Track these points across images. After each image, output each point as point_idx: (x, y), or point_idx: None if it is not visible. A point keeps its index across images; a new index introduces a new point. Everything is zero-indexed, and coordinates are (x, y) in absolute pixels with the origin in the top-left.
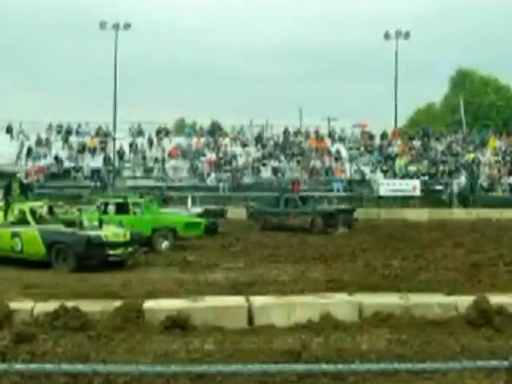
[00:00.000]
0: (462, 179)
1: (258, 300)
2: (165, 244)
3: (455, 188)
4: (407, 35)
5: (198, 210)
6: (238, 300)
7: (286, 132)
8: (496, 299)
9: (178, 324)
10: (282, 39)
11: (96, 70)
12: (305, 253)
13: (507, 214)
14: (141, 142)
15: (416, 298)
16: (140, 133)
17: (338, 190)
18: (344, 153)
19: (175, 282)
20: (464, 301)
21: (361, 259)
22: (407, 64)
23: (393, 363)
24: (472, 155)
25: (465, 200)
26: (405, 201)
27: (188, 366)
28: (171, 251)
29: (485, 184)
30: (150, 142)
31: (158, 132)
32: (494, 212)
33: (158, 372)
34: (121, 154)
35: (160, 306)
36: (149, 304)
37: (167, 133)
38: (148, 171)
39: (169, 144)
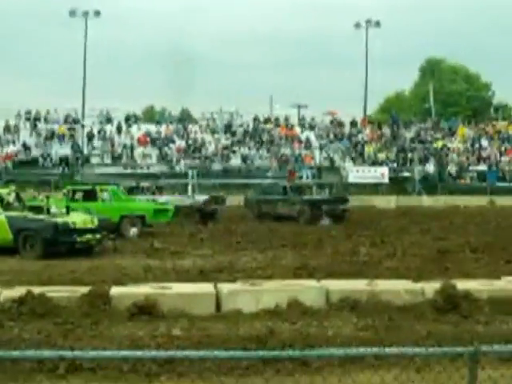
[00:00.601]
0: (429, 167)
1: (225, 286)
2: (133, 231)
3: (417, 175)
4: (378, 24)
5: (204, 197)
6: (205, 286)
7: (255, 119)
8: (462, 285)
9: (145, 310)
10: (252, 26)
11: (66, 57)
12: (274, 240)
13: (475, 201)
14: (109, 129)
15: (383, 284)
16: (109, 120)
17: (308, 178)
18: (314, 140)
19: (143, 269)
20: (431, 287)
21: (329, 246)
22: (378, 53)
23: (359, 348)
24: (441, 143)
25: (432, 187)
26: (373, 188)
27: (154, 351)
28: (139, 238)
29: (453, 172)
30: (119, 129)
31: (127, 119)
32: (462, 199)
33: (124, 357)
34: (89, 141)
35: (127, 292)
36: (116, 290)
37: (136, 120)
38: (116, 158)
39: (138, 131)
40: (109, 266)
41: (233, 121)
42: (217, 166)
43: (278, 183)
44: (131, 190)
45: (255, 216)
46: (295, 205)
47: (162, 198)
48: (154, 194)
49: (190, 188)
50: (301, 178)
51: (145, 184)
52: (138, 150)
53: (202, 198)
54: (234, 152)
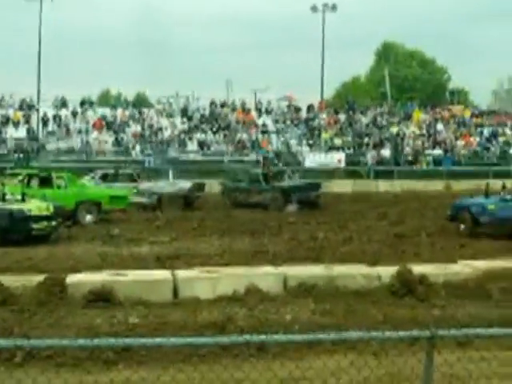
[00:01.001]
0: (385, 152)
1: (182, 273)
2: (88, 218)
3: (370, 160)
4: (334, 8)
5: (188, 184)
6: (162, 273)
7: (212, 104)
8: (418, 269)
9: (101, 298)
10: (208, 9)
11: (20, 41)
12: (231, 226)
13: (430, 186)
14: (65, 113)
15: (340, 269)
16: (64, 104)
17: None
18: (270, 125)
19: (99, 256)
20: (387, 271)
21: (287, 232)
22: (334, 37)
23: (316, 334)
24: (396, 128)
25: (388, 172)
26: (330, 173)
27: (112, 339)
28: (95, 225)
29: (409, 156)
30: (74, 114)
31: (82, 103)
32: (418, 184)
33: (81, 346)
34: (44, 126)
35: (83, 279)
36: (72, 278)
37: (91, 104)
38: (72, 143)
39: (93, 116)
40: (65, 253)
41: (189, 105)
42: (173, 152)
43: (249, 169)
44: (105, 177)
45: (232, 204)
46: (268, 192)
47: (144, 185)
48: (135, 180)
49: (170, 174)
50: (258, 163)
51: (125, 171)
52: (94, 135)
53: (185, 184)
54: (190, 138)
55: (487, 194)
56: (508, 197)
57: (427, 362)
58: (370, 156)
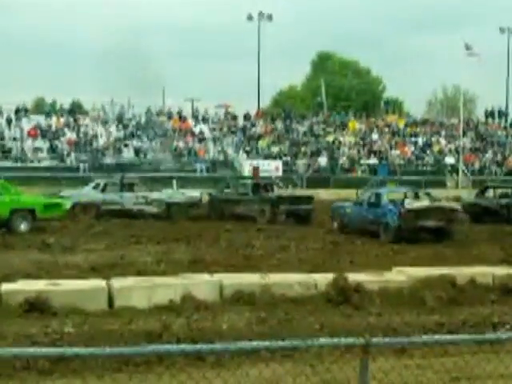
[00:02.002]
0: (321, 160)
1: (118, 282)
2: (23, 225)
3: (301, 169)
4: (270, 17)
5: (196, 193)
6: (97, 282)
7: (148, 112)
8: (354, 277)
9: (36, 307)
10: (144, 16)
11: None
12: (168, 234)
13: None
14: None
15: (276, 277)
16: None
17: (202, 171)
18: (207, 133)
19: (34, 265)
20: (323, 279)
21: (223, 240)
22: (271, 46)
23: (252, 342)
24: (332, 137)
25: (324, 180)
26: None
27: (46, 348)
28: (31, 233)
29: (345, 165)
30: (9, 122)
31: (17, 111)
32: (354, 192)
33: (15, 355)
34: None
35: (18, 288)
36: (7, 286)
37: (26, 112)
38: (6, 151)
39: (28, 123)
40: None
41: (124, 113)
42: (109, 160)
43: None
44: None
45: (218, 216)
46: (255, 203)
47: (154, 195)
48: (142, 189)
49: (174, 183)
50: (194, 171)
51: (131, 180)
52: (29, 143)
53: (194, 193)
54: (126, 145)
55: (359, 199)
56: (359, 201)
57: (362, 369)
58: (301, 164)
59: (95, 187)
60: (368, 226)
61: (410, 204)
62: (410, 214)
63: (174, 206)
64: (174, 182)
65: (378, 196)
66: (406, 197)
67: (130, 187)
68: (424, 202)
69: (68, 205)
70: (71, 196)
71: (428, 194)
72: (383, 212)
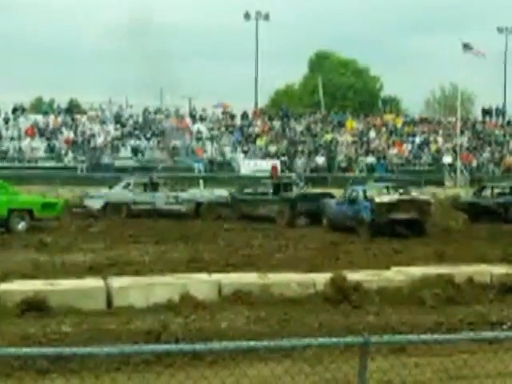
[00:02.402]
0: (319, 159)
1: (116, 281)
2: (21, 225)
3: (299, 168)
4: (267, 17)
5: (224, 192)
6: (95, 282)
7: (145, 111)
8: (353, 276)
9: (34, 306)
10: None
11: None
12: (166, 233)
13: None
14: None
15: (275, 277)
16: None
17: (200, 171)
18: (205, 132)
19: (32, 264)
20: (322, 278)
21: (222, 239)
22: (268, 45)
23: (250, 342)
24: (330, 136)
25: (322, 179)
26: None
27: (45, 348)
28: (28, 233)
29: (343, 164)
30: (6, 121)
31: (15, 110)
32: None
33: (13, 354)
34: None
35: (16, 288)
36: (4, 286)
37: (23, 111)
38: (3, 151)
39: (25, 122)
40: None
41: (122, 112)
42: (107, 159)
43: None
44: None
45: (238, 217)
46: (275, 204)
47: (184, 194)
48: (171, 188)
49: (201, 182)
50: (192, 170)
51: (160, 179)
52: (26, 142)
53: (222, 192)
54: (123, 144)
55: (343, 196)
56: (340, 200)
57: (361, 368)
58: (300, 163)
59: (125, 187)
60: (348, 222)
61: (381, 198)
62: (382, 207)
63: (203, 205)
64: (201, 181)
65: (355, 193)
66: (380, 192)
67: (155, 187)
68: (395, 196)
69: (99, 204)
70: (102, 196)
71: (405, 189)
72: (359, 208)
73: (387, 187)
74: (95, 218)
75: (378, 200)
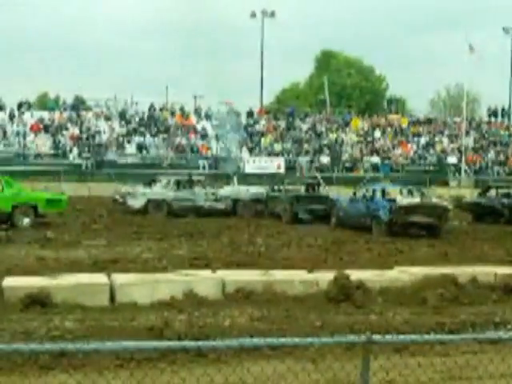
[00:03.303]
0: (324, 158)
1: (119, 277)
2: (25, 221)
3: (303, 166)
4: (273, 15)
5: (261, 189)
6: (99, 277)
7: (151, 108)
8: (356, 275)
9: (38, 301)
10: (150, 15)
11: None
12: (169, 230)
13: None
14: (1, 116)
15: (278, 275)
16: (0, 107)
17: (204, 168)
18: (210, 130)
19: (36, 260)
20: (325, 277)
21: (225, 236)
22: (274, 43)
23: (253, 339)
24: (335, 135)
25: (327, 178)
26: (271, 178)
27: (48, 343)
28: (33, 228)
29: (347, 163)
30: (11, 117)
31: (20, 106)
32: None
33: (16, 350)
34: None
35: (20, 283)
36: (8, 281)
37: (29, 106)
38: (8, 146)
39: (31, 118)
40: (1, 256)
41: (127, 109)
42: (112, 155)
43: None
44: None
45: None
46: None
47: (222, 191)
48: (206, 186)
49: (235, 180)
50: (197, 168)
51: (197, 177)
52: (31, 138)
53: (259, 189)
54: (128, 141)
55: (355, 194)
56: (354, 197)
57: (363, 367)
58: (305, 162)
59: (166, 185)
60: (361, 220)
61: (402, 200)
62: (401, 209)
63: (240, 202)
64: (235, 178)
65: (372, 191)
66: (401, 193)
67: (191, 184)
68: (415, 199)
69: (141, 202)
70: (143, 194)
71: (422, 192)
72: (376, 207)
73: (401, 189)
74: (137, 214)
75: (399, 201)
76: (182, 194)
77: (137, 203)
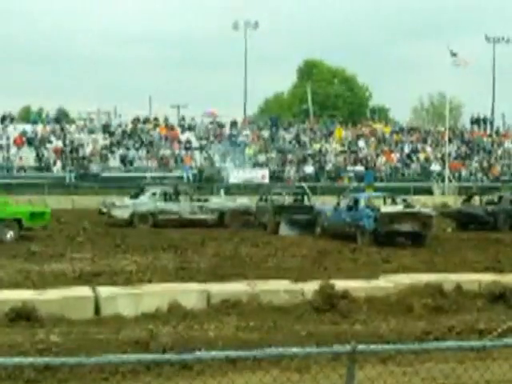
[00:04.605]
0: (308, 168)
1: (104, 290)
2: (9, 234)
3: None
4: (256, 25)
5: (246, 200)
6: (83, 290)
7: (135, 120)
8: (341, 284)
9: (23, 315)
10: (131, 26)
11: None
12: (154, 242)
13: None
14: None
15: (263, 285)
16: None
17: (189, 180)
18: (194, 141)
19: (20, 273)
20: (310, 287)
21: (210, 248)
22: (257, 54)
23: (238, 350)
24: (319, 144)
25: (311, 188)
26: (255, 189)
27: (33, 357)
28: (17, 242)
29: (331, 173)
30: None
31: (3, 119)
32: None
33: (1, 364)
34: None
35: (4, 297)
36: None
37: (12, 120)
38: None
39: (14, 132)
40: None
41: (111, 121)
42: (95, 168)
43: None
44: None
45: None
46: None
47: (209, 204)
48: (192, 197)
49: (222, 191)
50: (182, 178)
51: (182, 187)
52: (14, 151)
53: (245, 200)
54: (112, 153)
55: (338, 204)
56: (338, 206)
57: (348, 377)
58: (293, 172)
59: (152, 196)
60: (346, 229)
61: (386, 208)
62: (386, 218)
63: (228, 213)
64: (222, 190)
65: (355, 200)
66: (384, 202)
67: (177, 195)
68: (399, 207)
69: (126, 214)
70: (128, 205)
71: (405, 200)
72: (360, 216)
73: (384, 197)
74: (122, 227)
75: (383, 210)
76: (167, 205)
77: (122, 214)
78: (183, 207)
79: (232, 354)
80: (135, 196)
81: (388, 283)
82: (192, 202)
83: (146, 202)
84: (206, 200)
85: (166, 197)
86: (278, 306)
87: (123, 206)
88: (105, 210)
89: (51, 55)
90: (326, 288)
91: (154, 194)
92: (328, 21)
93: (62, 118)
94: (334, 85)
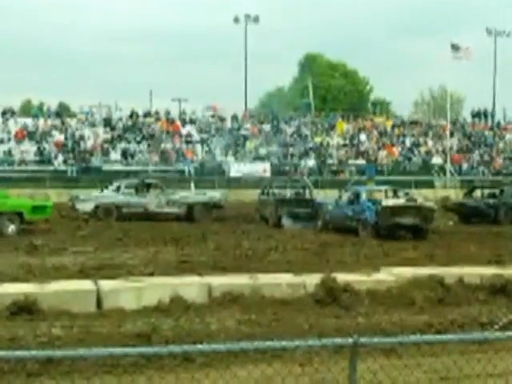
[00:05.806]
0: (309, 161)
1: (106, 283)
2: (11, 228)
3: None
4: (256, 19)
5: (217, 193)
6: (85, 284)
7: (134, 114)
8: (343, 277)
9: (24, 309)
10: (133, 21)
11: None
12: (156, 235)
13: None
14: None
15: (265, 278)
16: None
17: (190, 173)
18: (195, 135)
19: (22, 267)
20: (312, 280)
21: (212, 241)
22: (258, 47)
23: (240, 343)
24: (320, 138)
25: (313, 181)
26: (256, 182)
27: (35, 350)
28: (18, 235)
29: (333, 166)
30: None
31: (4, 113)
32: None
33: (3, 357)
34: None
35: (6, 290)
36: None
37: (13, 114)
38: None
39: (15, 125)
40: None
41: (112, 115)
42: (96, 162)
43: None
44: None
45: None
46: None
47: (176, 197)
48: (162, 190)
49: (192, 185)
50: (183, 172)
51: (152, 181)
52: (16, 145)
53: (215, 193)
54: (113, 147)
55: (340, 197)
56: (340, 199)
57: (351, 369)
58: (302, 165)
59: (116, 189)
60: (347, 223)
61: (388, 201)
62: (387, 211)
63: (197, 207)
64: (192, 184)
65: (357, 194)
66: (386, 195)
67: (147, 188)
68: (401, 200)
69: (89, 207)
70: (92, 199)
71: (407, 194)
72: (362, 209)
73: (386, 190)
74: (85, 220)
75: (384, 203)
76: (132, 198)
77: (85, 207)
78: (149, 200)
79: (234, 346)
80: (102, 189)
81: (390, 276)
82: (160, 196)
83: (110, 195)
84: (174, 193)
85: (135, 190)
86: (280, 299)
87: (87, 199)
88: (69, 203)
89: (52, 51)
90: (327, 281)
91: (118, 187)
92: (329, 16)
93: (63, 111)
94: (335, 78)
